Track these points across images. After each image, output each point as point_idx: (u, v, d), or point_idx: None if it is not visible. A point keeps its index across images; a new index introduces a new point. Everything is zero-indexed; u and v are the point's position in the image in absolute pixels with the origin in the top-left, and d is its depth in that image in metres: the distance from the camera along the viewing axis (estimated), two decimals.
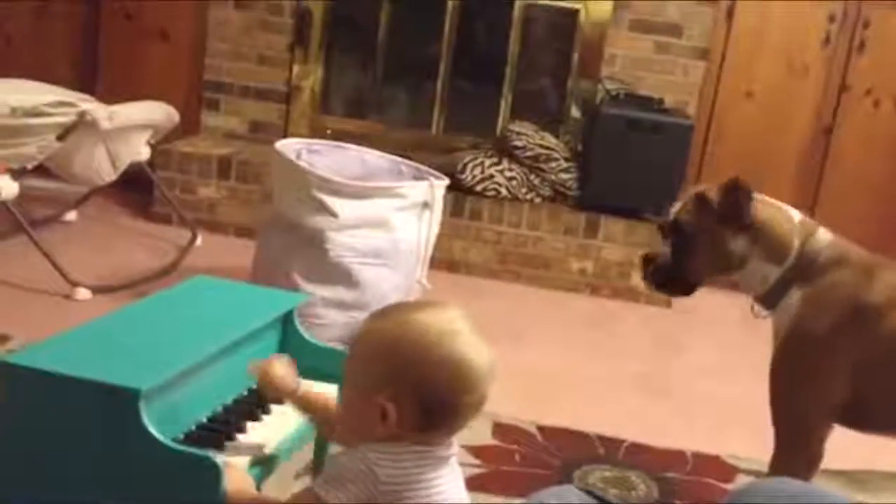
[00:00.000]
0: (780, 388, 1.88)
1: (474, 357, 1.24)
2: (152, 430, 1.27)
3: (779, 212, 1.90)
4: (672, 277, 1.94)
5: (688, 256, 1.91)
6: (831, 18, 3.89)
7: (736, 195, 1.85)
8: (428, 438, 1.25)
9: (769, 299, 1.89)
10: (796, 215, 1.90)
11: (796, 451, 1.87)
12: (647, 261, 1.98)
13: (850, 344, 1.81)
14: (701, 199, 1.89)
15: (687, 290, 1.97)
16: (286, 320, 1.74)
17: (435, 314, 1.26)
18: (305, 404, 1.48)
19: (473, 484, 2.21)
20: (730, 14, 3.93)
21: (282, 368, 1.50)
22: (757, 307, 1.93)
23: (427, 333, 1.23)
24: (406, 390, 1.22)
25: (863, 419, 1.88)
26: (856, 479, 2.44)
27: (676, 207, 1.94)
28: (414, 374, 1.22)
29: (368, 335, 1.27)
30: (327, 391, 1.52)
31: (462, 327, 1.25)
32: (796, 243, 1.86)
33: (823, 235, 1.89)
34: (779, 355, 1.88)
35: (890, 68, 3.90)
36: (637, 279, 2.07)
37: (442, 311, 1.27)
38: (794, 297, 1.85)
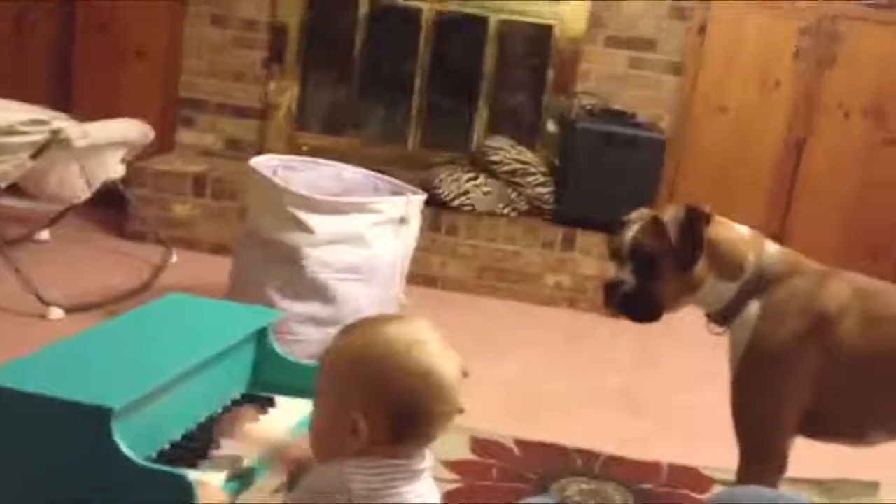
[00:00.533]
0: (743, 399, 1.89)
1: (442, 366, 1.24)
2: (125, 448, 1.27)
3: (730, 230, 1.91)
4: (637, 305, 1.92)
5: (653, 281, 1.89)
6: (802, 33, 3.94)
7: (691, 222, 1.85)
8: (400, 451, 1.25)
9: (726, 315, 1.90)
10: (746, 231, 1.92)
11: (763, 461, 1.89)
12: (611, 287, 1.94)
13: (809, 352, 1.84)
14: (657, 221, 1.89)
15: (654, 315, 1.94)
16: (261, 337, 1.73)
17: (401, 326, 1.26)
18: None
19: (451, 499, 2.21)
20: (702, 29, 3.97)
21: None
22: (712, 325, 1.94)
23: (394, 345, 1.23)
24: (375, 403, 1.22)
25: (822, 427, 1.90)
26: (826, 487, 2.45)
27: (632, 230, 1.92)
28: (382, 387, 1.22)
29: (337, 350, 1.28)
30: (300, 408, 1.52)
31: (428, 337, 1.26)
32: (751, 258, 1.88)
33: (772, 248, 1.92)
34: (741, 367, 1.89)
35: (860, 82, 3.96)
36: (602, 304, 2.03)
37: (408, 323, 1.28)
38: (752, 309, 1.87)
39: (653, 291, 1.90)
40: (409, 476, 1.25)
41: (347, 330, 1.30)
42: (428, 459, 1.29)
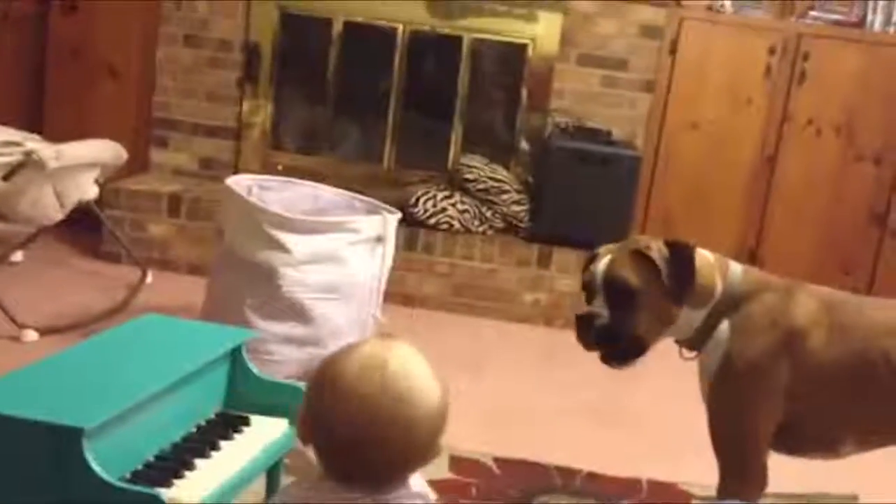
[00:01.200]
0: (720, 416, 1.90)
1: (340, 385, 1.17)
2: (97, 468, 1.25)
3: (700, 258, 1.90)
4: (617, 340, 1.88)
5: (630, 315, 1.86)
6: (772, 51, 3.99)
7: (682, 258, 1.84)
8: (347, 483, 1.20)
9: (698, 340, 1.91)
10: (711, 256, 1.93)
11: (744, 476, 1.89)
12: (585, 322, 1.89)
13: (781, 365, 1.85)
14: (639, 255, 1.86)
15: (636, 352, 1.90)
16: (235, 356, 1.72)
17: (359, 361, 1.19)
18: None
19: None
20: (673, 48, 4.01)
21: None
22: (685, 351, 1.95)
23: (337, 382, 1.18)
24: (314, 427, 1.20)
25: (794, 441, 1.91)
26: (806, 501, 2.46)
27: (604, 261, 1.88)
28: (318, 415, 1.19)
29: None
30: (275, 427, 1.51)
31: (368, 376, 1.17)
32: (719, 283, 1.89)
33: (735, 267, 1.93)
34: (716, 385, 1.89)
35: (830, 98, 4.01)
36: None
37: (369, 360, 1.19)
38: (722, 329, 1.88)
39: (633, 326, 1.86)
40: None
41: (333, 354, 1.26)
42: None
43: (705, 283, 1.88)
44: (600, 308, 1.88)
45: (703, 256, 1.91)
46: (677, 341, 1.96)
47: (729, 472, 1.91)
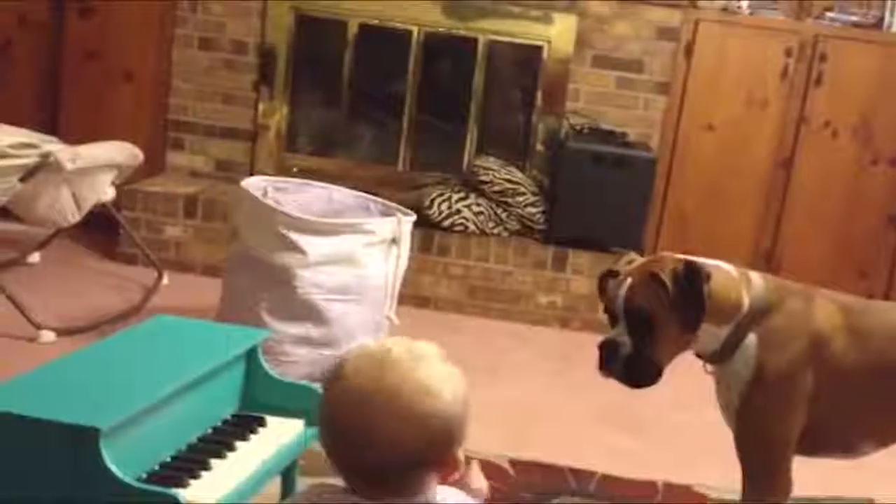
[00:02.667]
0: (752, 427, 1.89)
1: (338, 422, 1.14)
2: (113, 468, 1.26)
3: (723, 276, 1.88)
4: (639, 368, 1.86)
5: (651, 341, 1.84)
6: (788, 52, 3.97)
7: (691, 282, 1.81)
8: (351, 487, 1.17)
9: (723, 354, 1.89)
10: (733, 270, 1.90)
11: (773, 485, 1.89)
12: (608, 351, 1.88)
13: (808, 372, 1.85)
14: (656, 280, 1.83)
15: (654, 379, 1.88)
16: (250, 357, 1.72)
17: (353, 365, 1.16)
18: None
19: None
20: (689, 49, 4.00)
21: None
22: (708, 365, 1.94)
23: (329, 384, 1.16)
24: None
25: (816, 443, 1.91)
26: None
27: (625, 286, 1.86)
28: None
29: None
30: (291, 428, 1.51)
31: (350, 384, 1.13)
32: (744, 298, 1.87)
33: (757, 279, 1.91)
34: (747, 397, 1.88)
35: (847, 101, 3.98)
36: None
37: (362, 364, 1.16)
38: (750, 341, 1.86)
39: (652, 352, 1.84)
40: None
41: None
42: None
43: (730, 301, 1.86)
44: (621, 336, 1.86)
45: (726, 273, 1.89)
46: (698, 355, 1.94)
47: (757, 480, 1.90)
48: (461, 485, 1.32)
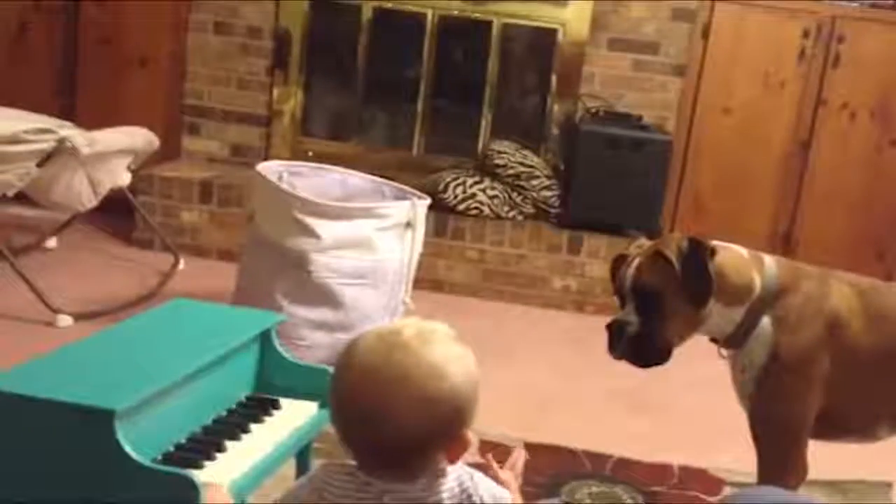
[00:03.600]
0: (768, 412, 1.88)
1: (347, 399, 1.13)
2: (128, 449, 1.26)
3: (733, 256, 1.87)
4: (646, 347, 1.85)
5: (659, 320, 1.83)
6: (806, 34, 3.93)
7: (696, 256, 1.80)
8: (364, 469, 1.16)
9: (737, 337, 1.88)
10: (745, 252, 1.90)
11: (788, 468, 1.88)
12: (616, 330, 1.86)
13: (824, 355, 1.84)
14: (661, 257, 1.82)
15: (662, 358, 1.87)
16: (265, 340, 1.73)
17: (362, 342, 1.15)
18: None
19: None
20: (706, 31, 3.97)
21: None
22: (723, 350, 1.93)
23: (338, 362, 1.15)
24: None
25: (832, 427, 1.90)
26: (840, 488, 2.44)
27: (633, 266, 1.86)
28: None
29: None
30: (305, 411, 1.51)
31: (358, 361, 1.13)
32: (756, 279, 1.85)
33: (770, 262, 1.90)
34: (763, 381, 1.86)
35: (865, 82, 3.95)
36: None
37: (370, 341, 1.15)
38: (765, 324, 1.85)
39: (660, 331, 1.83)
40: (376, 496, 1.14)
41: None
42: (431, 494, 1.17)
43: (741, 281, 1.84)
44: (629, 316, 1.85)
45: (736, 254, 1.88)
46: (713, 340, 1.93)
47: (772, 463, 1.89)
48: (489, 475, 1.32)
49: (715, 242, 1.87)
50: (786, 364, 1.84)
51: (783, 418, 1.88)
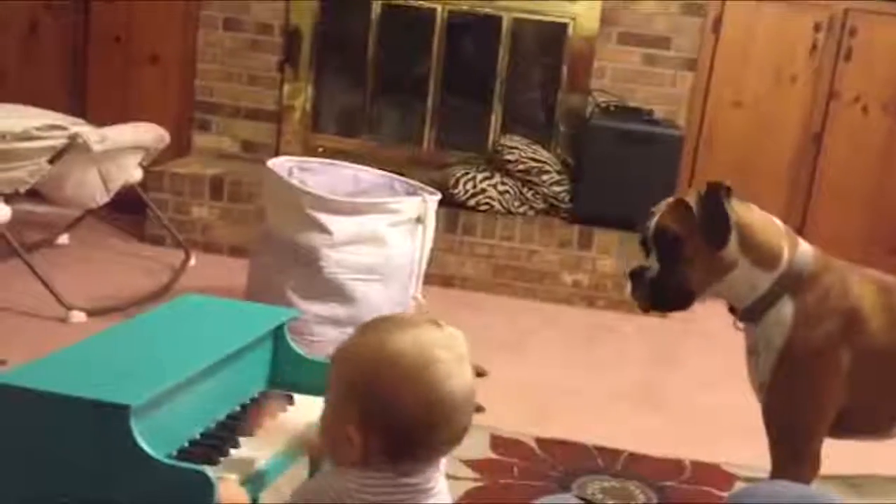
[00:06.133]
0: (782, 405, 1.86)
1: (452, 393, 1.16)
2: (144, 445, 1.27)
3: (766, 217, 1.88)
4: (665, 290, 1.86)
5: (678, 265, 1.84)
6: (817, 27, 3.91)
7: (714, 198, 1.81)
8: (400, 468, 1.20)
9: (755, 310, 1.86)
10: (781, 224, 1.89)
11: (801, 464, 1.86)
12: (637, 275, 1.88)
13: (844, 352, 1.82)
14: (681, 203, 1.85)
15: (682, 302, 1.87)
16: (277, 336, 1.73)
17: (414, 337, 1.18)
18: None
19: (472, 497, 2.21)
20: (717, 25, 3.95)
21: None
22: (738, 321, 1.91)
23: (401, 363, 1.15)
24: (374, 421, 1.17)
25: (850, 425, 1.88)
26: (852, 483, 2.43)
27: (654, 217, 1.88)
28: (382, 406, 1.16)
29: (347, 352, 1.23)
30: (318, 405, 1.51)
31: (441, 354, 1.17)
32: (786, 252, 1.84)
33: (806, 245, 1.89)
34: (778, 372, 1.85)
35: (877, 75, 3.93)
36: (628, 296, 1.95)
37: (423, 332, 1.19)
38: (786, 309, 1.83)
39: (679, 275, 1.84)
40: (412, 495, 1.19)
41: (362, 330, 1.24)
42: (436, 479, 1.23)
43: (768, 243, 1.83)
44: (651, 262, 1.87)
45: (768, 217, 1.87)
46: (732, 310, 1.91)
47: (785, 458, 1.87)
48: None
49: (752, 206, 1.88)
50: (801, 358, 1.82)
51: (797, 414, 1.86)
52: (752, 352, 1.92)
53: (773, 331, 1.84)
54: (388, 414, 1.16)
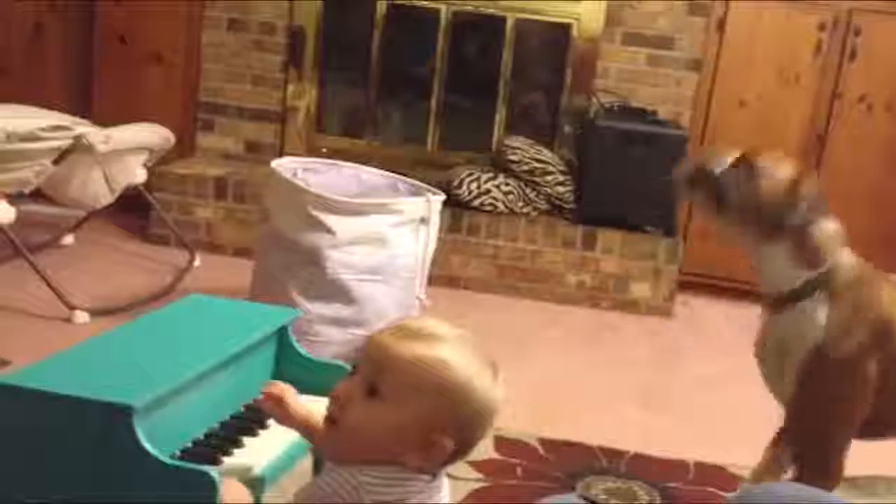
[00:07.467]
0: (809, 409, 1.85)
1: (498, 401, 1.25)
2: (147, 446, 1.27)
3: (826, 221, 1.87)
4: (728, 191, 1.85)
5: (729, 210, 1.85)
6: (822, 27, 3.91)
7: (795, 181, 1.82)
8: (428, 469, 1.23)
9: (785, 301, 1.85)
10: (833, 225, 1.88)
11: (827, 472, 1.85)
12: (699, 173, 1.89)
13: (876, 363, 1.81)
14: (751, 169, 1.84)
15: (721, 205, 1.86)
16: (281, 336, 1.73)
17: (470, 351, 1.24)
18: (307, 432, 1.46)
19: (476, 498, 2.21)
20: (720, 25, 3.95)
21: (293, 398, 1.45)
22: (763, 309, 1.90)
23: (472, 377, 1.22)
24: (451, 432, 1.21)
25: (875, 430, 1.88)
26: (857, 485, 2.42)
27: (721, 164, 1.86)
28: (460, 417, 1.21)
29: (417, 362, 1.21)
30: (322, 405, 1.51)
31: (490, 369, 1.25)
32: (830, 255, 1.84)
33: (847, 252, 1.88)
34: (805, 374, 1.83)
35: (882, 75, 3.92)
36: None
37: (473, 348, 1.25)
38: (820, 311, 1.82)
39: (727, 214, 1.85)
40: (427, 492, 1.23)
41: (415, 336, 1.24)
42: (441, 476, 1.27)
43: (816, 240, 1.83)
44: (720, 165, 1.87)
45: (829, 223, 1.87)
46: (762, 296, 1.90)
47: (811, 466, 1.86)
48: None
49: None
50: (833, 364, 1.80)
51: (826, 419, 1.84)
52: (765, 344, 1.90)
53: (804, 328, 1.82)
54: (464, 424, 1.22)
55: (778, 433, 1.99)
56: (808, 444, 1.87)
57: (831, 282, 1.82)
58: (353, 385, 1.25)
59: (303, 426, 1.44)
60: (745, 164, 1.85)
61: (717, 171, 1.87)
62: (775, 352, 1.90)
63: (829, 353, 1.81)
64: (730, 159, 1.88)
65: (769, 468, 1.97)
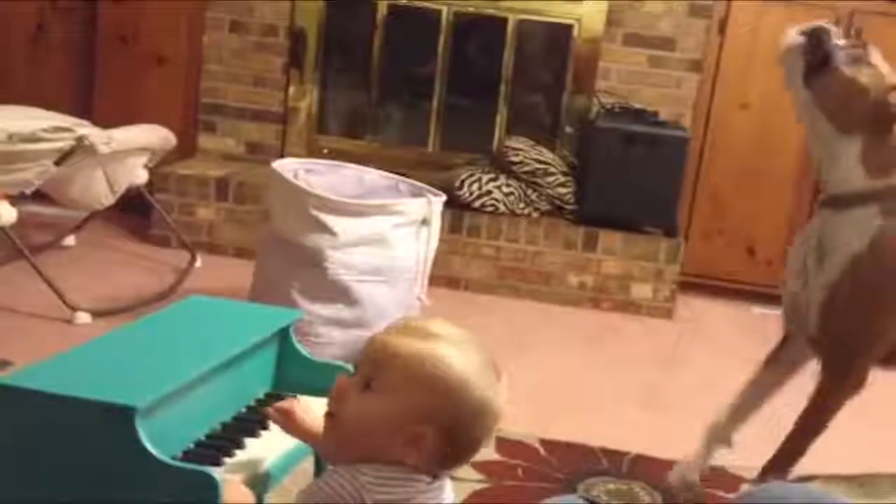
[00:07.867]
0: (843, 312, 1.84)
1: (499, 404, 1.25)
2: (149, 447, 1.27)
3: None
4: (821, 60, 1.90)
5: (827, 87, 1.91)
6: None
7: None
8: (429, 469, 1.24)
9: (840, 202, 1.85)
10: None
11: (848, 377, 1.85)
12: (815, 38, 1.94)
13: None
14: (867, 54, 1.89)
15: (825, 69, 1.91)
16: (283, 337, 1.73)
17: (471, 351, 1.25)
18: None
19: (478, 499, 2.21)
20: (722, 26, 3.95)
21: (301, 411, 1.45)
22: (818, 205, 1.90)
23: (469, 376, 1.22)
24: (440, 427, 1.21)
25: None
26: (859, 483, 2.42)
27: (837, 39, 1.91)
28: (453, 415, 1.21)
29: (412, 357, 1.22)
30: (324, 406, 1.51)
31: (492, 372, 1.26)
32: None
33: None
34: (845, 277, 1.82)
35: None
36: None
37: (476, 349, 1.26)
38: (875, 220, 1.81)
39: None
40: (428, 493, 1.23)
41: (417, 333, 1.25)
42: (444, 477, 1.28)
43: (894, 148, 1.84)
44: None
45: None
46: (820, 193, 1.90)
47: (833, 369, 1.86)
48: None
49: None
50: (875, 272, 1.80)
51: (858, 325, 1.84)
52: (806, 243, 1.90)
53: (853, 230, 1.83)
54: (457, 423, 1.22)
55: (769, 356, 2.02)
56: (833, 349, 1.86)
57: (889, 199, 1.82)
58: (351, 381, 1.27)
59: (311, 438, 1.44)
60: (864, 47, 1.86)
61: (835, 41, 1.88)
62: (817, 249, 1.89)
63: (875, 260, 1.80)
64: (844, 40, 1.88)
65: (765, 376, 2.02)
